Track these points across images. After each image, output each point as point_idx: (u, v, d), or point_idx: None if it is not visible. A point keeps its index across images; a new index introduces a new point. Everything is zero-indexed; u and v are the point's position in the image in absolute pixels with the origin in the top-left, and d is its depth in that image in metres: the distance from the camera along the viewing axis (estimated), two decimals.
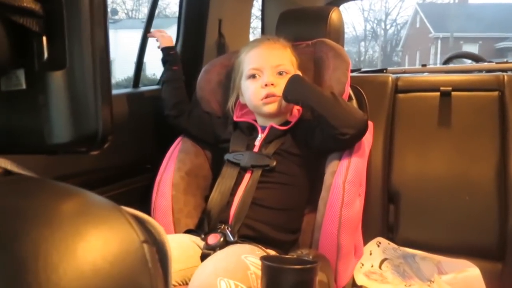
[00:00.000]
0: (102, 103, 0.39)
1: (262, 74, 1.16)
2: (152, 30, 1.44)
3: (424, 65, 1.91)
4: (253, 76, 1.17)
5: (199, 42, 1.64)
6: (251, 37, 2.09)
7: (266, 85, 1.14)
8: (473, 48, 16.43)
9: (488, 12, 17.49)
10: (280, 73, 1.16)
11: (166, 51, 1.36)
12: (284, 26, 1.41)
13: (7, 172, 0.36)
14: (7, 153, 0.39)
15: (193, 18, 1.62)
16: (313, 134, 1.13)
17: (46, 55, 0.37)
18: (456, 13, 17.92)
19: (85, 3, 0.38)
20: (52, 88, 0.38)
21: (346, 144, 1.10)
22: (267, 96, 1.14)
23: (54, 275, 0.25)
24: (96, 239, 0.29)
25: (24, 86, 0.38)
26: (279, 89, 1.15)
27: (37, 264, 0.25)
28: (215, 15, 1.66)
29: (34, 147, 0.40)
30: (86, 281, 0.27)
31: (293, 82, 1.13)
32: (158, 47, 1.39)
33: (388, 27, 22.36)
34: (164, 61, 1.37)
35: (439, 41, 18.49)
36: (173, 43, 1.43)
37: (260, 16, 2.12)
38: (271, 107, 1.16)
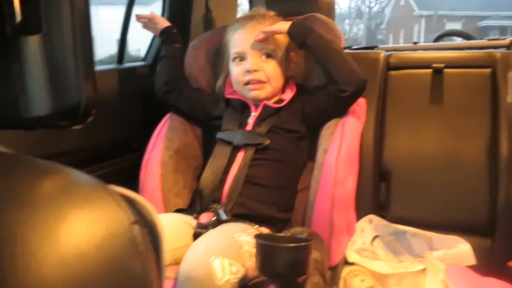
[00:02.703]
0: (84, 73, 0.36)
1: (246, 58, 1.13)
2: (136, 14, 1.38)
3: (415, 43, 1.88)
4: (238, 59, 1.15)
5: (185, 18, 1.59)
6: (239, 12, 2.04)
7: (248, 71, 1.11)
8: (456, 26, 16.50)
9: None
10: (266, 56, 1.14)
11: (168, 30, 1.31)
12: (274, 0, 1.36)
13: None
14: None
15: None
16: (310, 100, 1.13)
17: (18, 17, 0.33)
18: None
19: None
20: (28, 55, 0.34)
21: (343, 103, 1.10)
22: (249, 82, 1.13)
23: (34, 262, 0.22)
24: (80, 221, 0.26)
25: None
26: (263, 74, 1.12)
27: (14, 250, 0.22)
28: None
29: (9, 121, 0.36)
30: (69, 267, 0.24)
31: (300, 22, 1.13)
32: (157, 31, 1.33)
33: (372, 5, 22.27)
34: (165, 40, 1.32)
35: (423, 19, 18.55)
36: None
37: None
38: (258, 94, 1.14)
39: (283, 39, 1.16)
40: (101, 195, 0.29)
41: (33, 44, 0.34)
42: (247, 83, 1.13)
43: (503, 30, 15.66)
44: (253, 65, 1.12)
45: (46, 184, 0.28)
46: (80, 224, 0.26)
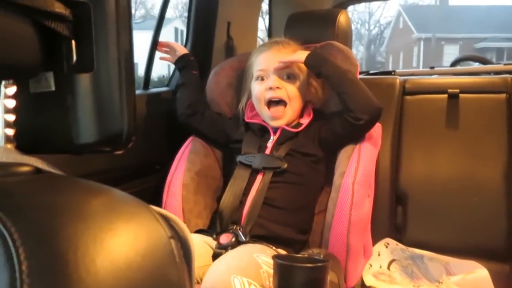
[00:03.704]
0: (127, 104, 0.41)
1: (269, 77, 1.17)
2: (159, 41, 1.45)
3: (432, 68, 1.91)
4: (261, 79, 1.19)
5: (208, 45, 1.66)
6: (259, 40, 2.11)
7: (270, 88, 1.15)
8: (454, 48, 17.34)
9: (467, 14, 17.95)
10: (288, 77, 1.18)
11: (186, 57, 1.38)
12: (292, 28, 1.42)
13: (38, 170, 0.37)
14: (35, 152, 0.40)
15: (202, 21, 1.64)
16: (327, 125, 1.16)
17: (74, 58, 0.39)
18: (437, 14, 18.25)
19: (111, 8, 0.39)
20: (80, 90, 0.39)
21: (359, 130, 1.13)
22: (270, 101, 1.16)
23: (92, 267, 0.27)
24: (127, 234, 0.31)
25: (53, 88, 0.40)
26: (285, 93, 1.16)
27: (77, 258, 0.27)
28: (224, 17, 1.67)
29: (62, 147, 0.41)
30: (121, 273, 0.28)
31: (317, 52, 1.18)
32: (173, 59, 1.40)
33: (372, 27, 22.53)
34: (183, 67, 1.38)
35: (422, 42, 18.80)
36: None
37: (268, 19, 2.13)
38: (278, 123, 1.18)
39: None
40: (143, 212, 0.34)
41: (84, 80, 0.39)
42: (269, 104, 1.17)
43: (499, 51, 15.97)
44: (275, 82, 1.16)
45: (97, 202, 0.33)
46: (127, 236, 0.30)
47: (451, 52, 16.90)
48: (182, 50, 1.40)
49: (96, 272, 0.27)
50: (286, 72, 1.18)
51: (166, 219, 0.38)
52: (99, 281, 0.27)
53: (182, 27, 13.21)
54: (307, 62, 1.15)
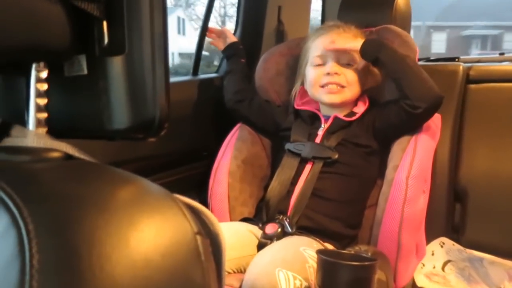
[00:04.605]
0: (160, 90, 0.39)
1: (327, 62, 1.12)
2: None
3: (501, 54, 1.75)
4: (318, 64, 1.14)
5: (258, 30, 1.62)
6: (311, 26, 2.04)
7: (328, 73, 1.10)
8: (442, 36, 18.69)
9: (456, 2, 19.06)
10: (348, 63, 1.12)
11: (235, 45, 1.36)
12: (347, 11, 1.35)
13: (68, 157, 0.36)
14: (67, 137, 0.39)
15: (253, 5, 1.60)
16: (381, 115, 1.09)
17: (106, 40, 0.37)
18: (427, 2, 18.97)
19: None
20: (112, 73, 0.38)
21: (415, 120, 1.06)
22: (327, 84, 1.11)
23: (107, 265, 0.25)
24: (149, 229, 0.29)
25: (85, 72, 0.38)
26: (343, 78, 1.10)
27: (91, 253, 0.25)
28: (275, 1, 1.62)
29: (94, 132, 0.40)
30: (138, 272, 0.26)
31: (372, 38, 1.11)
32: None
33: None
34: (231, 55, 1.36)
35: (412, 29, 18.95)
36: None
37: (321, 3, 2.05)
38: (333, 98, 1.12)
39: None
40: (169, 205, 0.31)
41: (117, 63, 0.38)
42: (324, 86, 1.12)
43: (484, 38, 17.49)
44: (334, 68, 1.10)
45: (121, 193, 0.31)
46: (149, 232, 0.28)
47: (439, 39, 18.19)
48: (232, 37, 1.38)
49: (111, 270, 0.25)
50: (347, 58, 1.12)
51: (196, 212, 0.36)
52: (113, 280, 0.25)
53: (183, 15, 13.80)
54: (362, 50, 1.08)
